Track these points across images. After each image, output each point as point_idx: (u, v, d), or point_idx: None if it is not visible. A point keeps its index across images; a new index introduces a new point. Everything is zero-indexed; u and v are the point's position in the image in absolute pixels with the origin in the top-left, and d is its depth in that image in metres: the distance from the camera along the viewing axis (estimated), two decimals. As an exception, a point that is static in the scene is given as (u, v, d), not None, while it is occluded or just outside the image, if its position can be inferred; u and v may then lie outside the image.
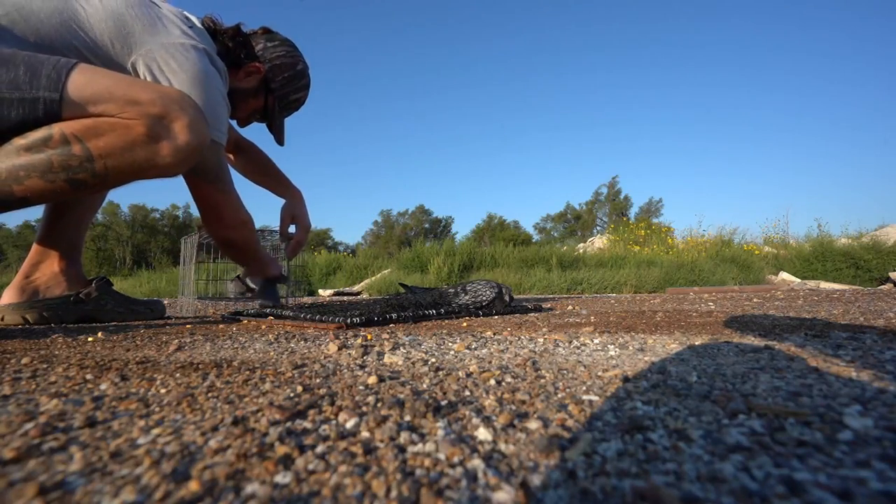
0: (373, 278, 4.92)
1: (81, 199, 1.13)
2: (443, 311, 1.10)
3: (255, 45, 1.12)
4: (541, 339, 0.70)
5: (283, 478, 0.23)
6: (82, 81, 0.73)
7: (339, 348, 0.62)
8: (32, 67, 0.71)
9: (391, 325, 0.94)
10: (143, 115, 0.76)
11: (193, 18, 1.01)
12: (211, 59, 0.95)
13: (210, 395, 0.38)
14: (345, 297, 1.61)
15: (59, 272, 1.09)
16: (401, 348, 0.63)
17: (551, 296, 3.19)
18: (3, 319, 1.02)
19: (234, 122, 1.23)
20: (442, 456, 0.26)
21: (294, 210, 1.35)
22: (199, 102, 0.87)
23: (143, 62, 0.88)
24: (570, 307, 1.51)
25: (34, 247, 1.10)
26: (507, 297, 1.22)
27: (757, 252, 5.61)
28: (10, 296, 1.04)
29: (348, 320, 0.93)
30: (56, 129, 0.72)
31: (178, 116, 0.79)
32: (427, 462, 0.25)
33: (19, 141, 0.72)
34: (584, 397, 0.37)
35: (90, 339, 0.76)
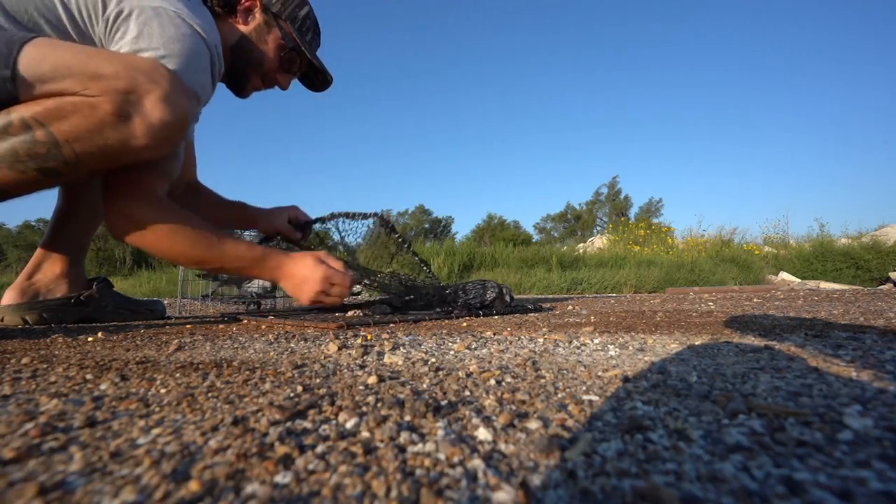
0: (373, 278, 4.91)
1: (91, 205, 1.11)
2: (443, 311, 1.10)
3: None
4: (541, 339, 0.70)
5: (283, 478, 0.23)
6: (37, 56, 0.66)
7: (339, 348, 0.62)
8: None
9: (391, 325, 0.94)
10: (109, 91, 0.68)
11: None
12: (201, 32, 0.83)
13: (210, 395, 0.38)
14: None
15: (61, 274, 1.08)
16: (401, 348, 0.63)
17: (551, 296, 3.19)
18: (2, 320, 1.02)
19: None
20: (442, 456, 0.26)
21: (288, 213, 1.27)
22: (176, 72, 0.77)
23: (115, 15, 0.76)
24: (570, 307, 1.51)
25: (39, 248, 1.10)
26: (507, 297, 1.22)
27: (757, 252, 5.61)
28: (10, 297, 1.04)
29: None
30: (14, 114, 0.66)
31: (149, 90, 0.71)
32: (427, 462, 0.25)
33: None
34: (584, 397, 0.37)
35: (90, 339, 0.76)
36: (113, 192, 0.83)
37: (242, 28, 1.00)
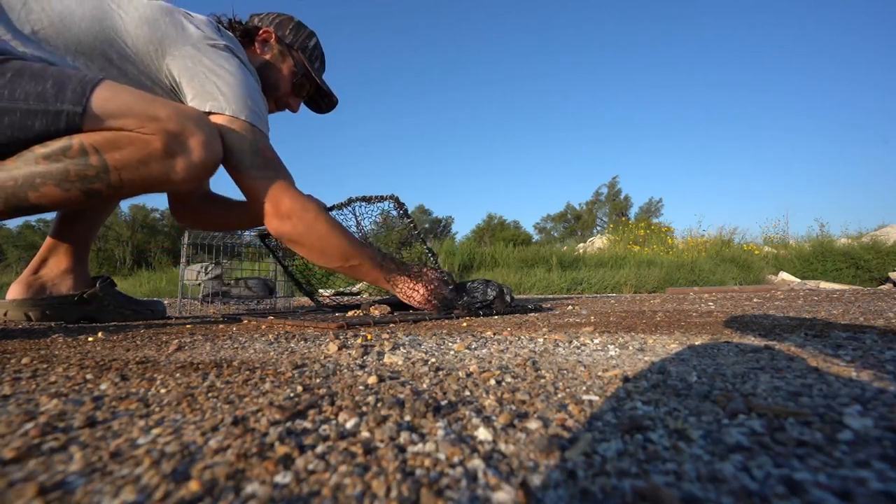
0: (373, 278, 4.90)
1: (95, 207, 1.13)
2: (443, 311, 1.10)
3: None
4: (541, 339, 0.70)
5: (283, 478, 0.23)
6: (105, 97, 0.76)
7: (339, 348, 0.62)
8: (59, 82, 0.74)
9: (391, 325, 0.94)
10: (161, 132, 0.79)
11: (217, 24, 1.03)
12: (243, 61, 0.98)
13: (210, 395, 0.38)
14: (345, 298, 1.60)
15: (68, 270, 1.10)
16: (401, 348, 0.63)
17: (551, 296, 3.19)
18: (6, 314, 1.02)
19: (268, 116, 1.20)
20: (442, 456, 0.26)
21: None
22: (245, 97, 0.93)
23: (180, 64, 0.91)
24: (570, 307, 1.51)
25: (45, 242, 1.11)
26: (507, 297, 1.22)
27: (757, 252, 5.61)
28: (15, 291, 1.05)
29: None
30: (76, 140, 0.75)
31: (194, 134, 0.82)
32: (427, 462, 0.25)
33: (39, 149, 0.74)
34: (584, 397, 0.37)
35: (90, 339, 0.76)
36: (268, 192, 0.96)
37: (262, 57, 1.14)
